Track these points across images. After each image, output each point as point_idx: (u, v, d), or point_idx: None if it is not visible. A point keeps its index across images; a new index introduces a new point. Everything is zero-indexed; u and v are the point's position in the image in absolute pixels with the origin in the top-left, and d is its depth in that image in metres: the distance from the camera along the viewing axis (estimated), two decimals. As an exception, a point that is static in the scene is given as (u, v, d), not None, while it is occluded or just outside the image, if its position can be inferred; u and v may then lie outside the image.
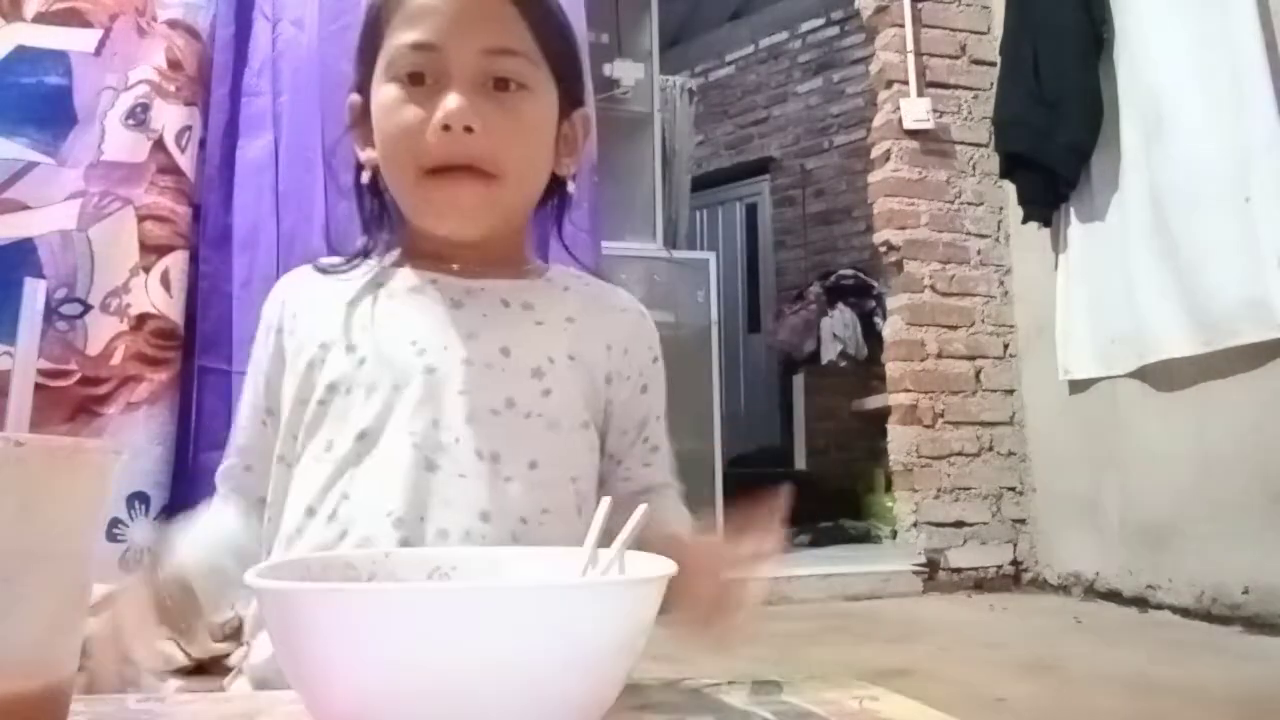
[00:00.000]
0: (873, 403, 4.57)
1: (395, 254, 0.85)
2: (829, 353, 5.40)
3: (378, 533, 0.72)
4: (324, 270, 0.85)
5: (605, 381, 0.82)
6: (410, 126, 0.74)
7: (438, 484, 0.74)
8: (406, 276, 0.81)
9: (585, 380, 0.80)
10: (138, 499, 1.94)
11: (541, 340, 0.79)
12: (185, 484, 2.02)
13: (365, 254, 0.85)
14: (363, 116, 0.81)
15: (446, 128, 0.72)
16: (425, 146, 0.74)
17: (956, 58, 3.58)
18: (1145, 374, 2.88)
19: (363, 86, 0.81)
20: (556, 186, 0.86)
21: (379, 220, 0.85)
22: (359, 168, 0.84)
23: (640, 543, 0.53)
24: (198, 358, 2.09)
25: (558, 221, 0.91)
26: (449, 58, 0.74)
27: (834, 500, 4.67)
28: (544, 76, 0.78)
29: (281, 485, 0.78)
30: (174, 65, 2.12)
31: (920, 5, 3.55)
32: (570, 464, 0.79)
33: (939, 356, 3.45)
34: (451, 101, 0.73)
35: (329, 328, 0.79)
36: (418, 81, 0.75)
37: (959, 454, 3.41)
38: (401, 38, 0.75)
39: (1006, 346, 3.52)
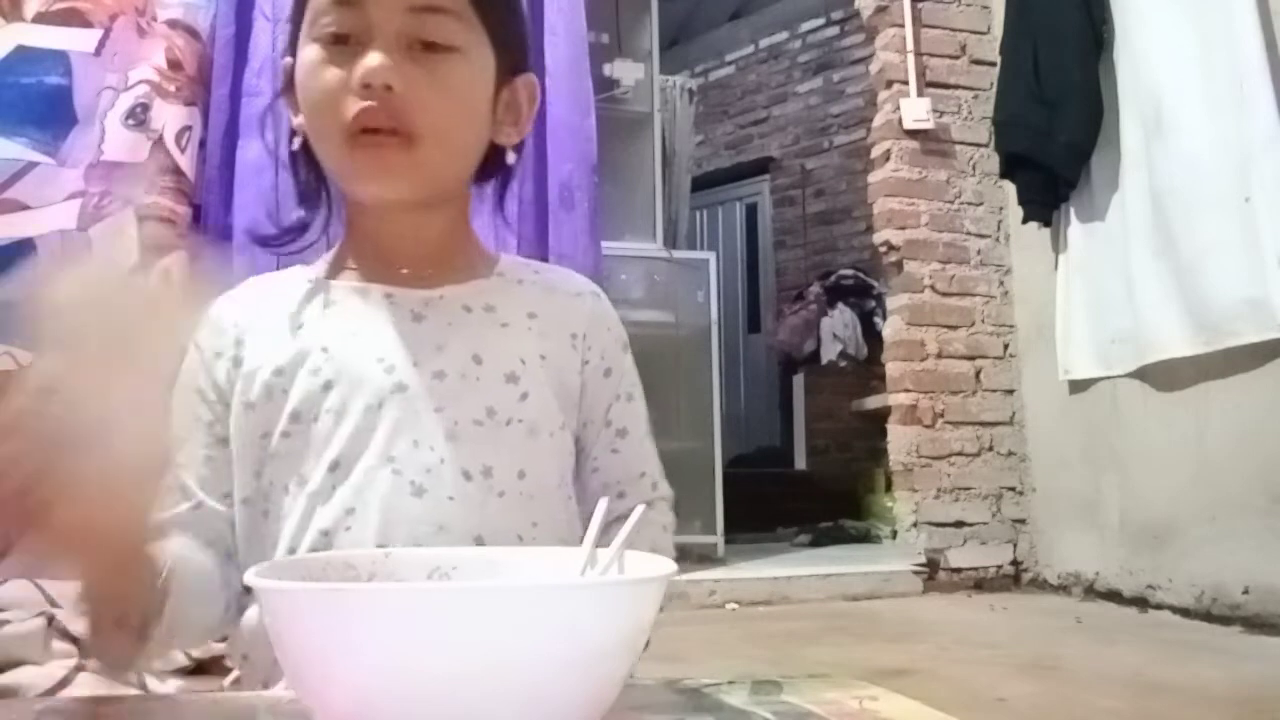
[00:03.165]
0: (873, 403, 4.57)
1: (335, 255, 0.80)
2: (829, 353, 5.40)
3: None
4: (265, 278, 0.80)
5: (577, 374, 0.80)
6: (331, 88, 0.71)
7: (427, 510, 0.70)
8: (360, 291, 0.77)
9: (557, 380, 0.78)
10: (138, 499, 1.94)
11: (510, 343, 0.77)
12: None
13: (304, 228, 0.81)
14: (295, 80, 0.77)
15: (366, 87, 0.69)
16: (347, 108, 0.70)
17: (956, 58, 3.58)
18: (1145, 374, 2.88)
19: (294, 48, 0.77)
20: (498, 158, 0.81)
21: (316, 191, 0.81)
22: (292, 135, 0.79)
23: None
24: (198, 358, 2.09)
25: (499, 195, 0.86)
26: (371, 15, 0.70)
27: (834, 500, 4.68)
28: (477, 39, 0.74)
29: (252, 529, 0.73)
30: (174, 65, 2.12)
31: (920, 5, 3.55)
32: (553, 470, 0.77)
33: (939, 356, 3.45)
34: (371, 60, 0.69)
35: (283, 352, 0.74)
36: (341, 41, 0.71)
37: (959, 454, 3.41)
38: None
39: (1006, 346, 3.52)
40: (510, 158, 0.81)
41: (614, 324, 0.85)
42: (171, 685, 1.33)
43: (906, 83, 3.49)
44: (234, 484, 0.74)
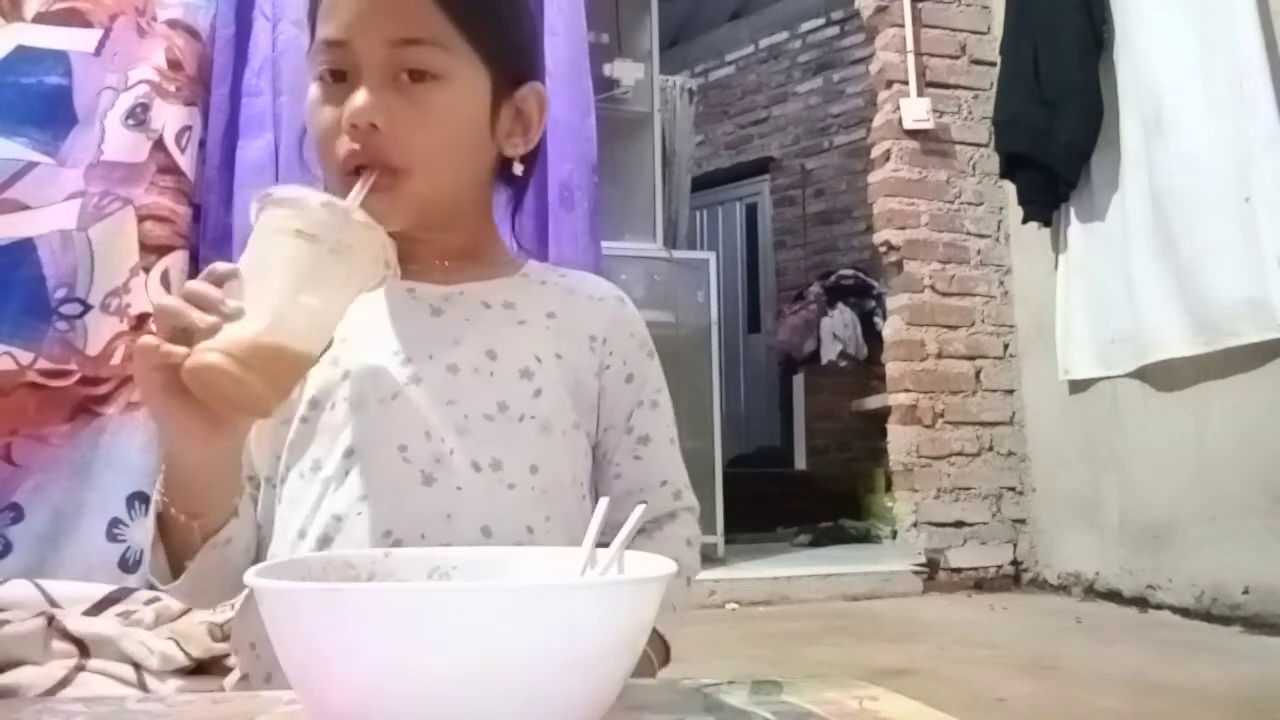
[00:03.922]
0: (873, 403, 4.57)
1: None
2: (829, 353, 5.40)
3: None
4: None
5: (594, 376, 0.81)
6: (327, 128, 0.74)
7: (436, 499, 0.72)
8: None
9: (572, 379, 0.79)
10: (138, 499, 1.93)
11: (526, 340, 0.78)
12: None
13: None
14: None
15: (354, 126, 0.71)
16: (339, 148, 0.73)
17: (956, 58, 3.58)
18: (1145, 374, 2.88)
19: None
20: (510, 169, 0.82)
21: None
22: None
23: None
24: (198, 358, 2.09)
25: (513, 206, 0.87)
26: (358, 52, 0.72)
27: (834, 500, 4.68)
28: (465, 63, 0.75)
29: (268, 506, 0.77)
30: (174, 65, 2.12)
31: (920, 5, 3.55)
32: (567, 467, 0.77)
33: (939, 356, 3.45)
34: (357, 99, 0.71)
35: None
36: (338, 79, 0.74)
37: (959, 454, 3.41)
38: (319, 33, 0.75)
39: (1006, 346, 3.52)
40: (517, 169, 0.82)
41: (638, 329, 0.85)
42: (171, 685, 1.34)
43: (906, 83, 3.49)
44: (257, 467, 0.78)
